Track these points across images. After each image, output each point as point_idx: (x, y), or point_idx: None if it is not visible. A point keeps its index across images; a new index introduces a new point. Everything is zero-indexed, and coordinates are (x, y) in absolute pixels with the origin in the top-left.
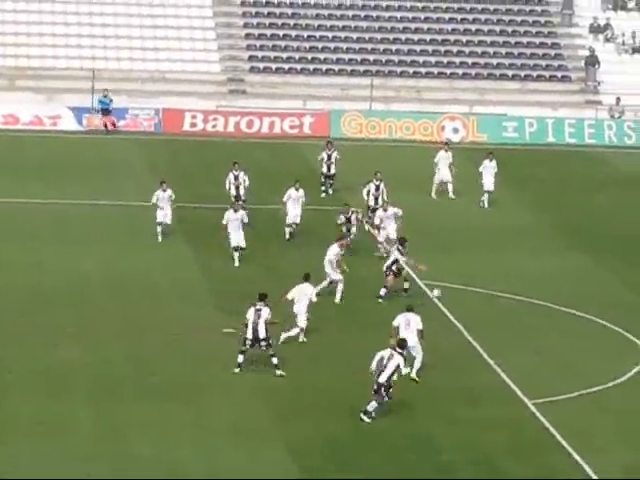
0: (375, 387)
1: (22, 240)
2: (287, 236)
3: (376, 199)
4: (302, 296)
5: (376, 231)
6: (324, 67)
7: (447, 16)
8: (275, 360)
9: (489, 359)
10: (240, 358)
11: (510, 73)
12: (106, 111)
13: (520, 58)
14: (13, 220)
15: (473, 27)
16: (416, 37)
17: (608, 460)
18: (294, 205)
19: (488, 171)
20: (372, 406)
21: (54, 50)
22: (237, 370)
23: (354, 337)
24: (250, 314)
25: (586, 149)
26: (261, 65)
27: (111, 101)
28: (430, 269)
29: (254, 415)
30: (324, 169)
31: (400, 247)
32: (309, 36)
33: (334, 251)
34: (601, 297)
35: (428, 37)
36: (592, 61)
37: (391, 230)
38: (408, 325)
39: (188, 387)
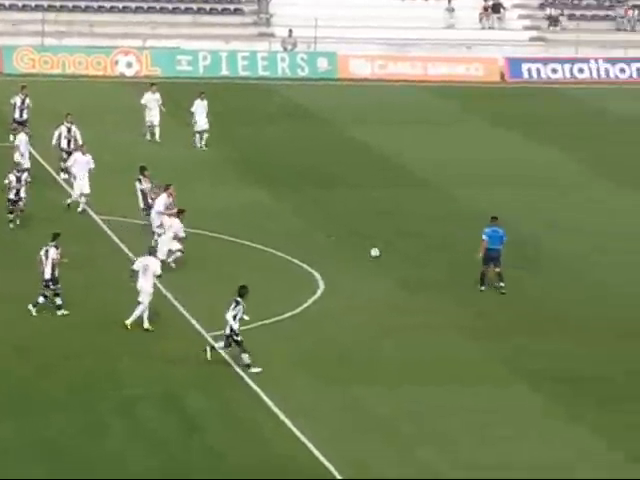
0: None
1: None
2: None
3: (69, 142)
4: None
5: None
6: None
7: None
8: (59, 300)
9: (169, 294)
10: (41, 299)
11: (183, 6)
12: None
13: None
14: None
15: None
16: None
17: (285, 389)
18: None
19: (201, 110)
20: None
21: None
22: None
23: None
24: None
25: (260, 82)
26: None
27: None
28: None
29: None
30: (16, 114)
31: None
32: None
33: (163, 201)
34: (278, 230)
35: None
36: None
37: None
38: (146, 271)
39: None
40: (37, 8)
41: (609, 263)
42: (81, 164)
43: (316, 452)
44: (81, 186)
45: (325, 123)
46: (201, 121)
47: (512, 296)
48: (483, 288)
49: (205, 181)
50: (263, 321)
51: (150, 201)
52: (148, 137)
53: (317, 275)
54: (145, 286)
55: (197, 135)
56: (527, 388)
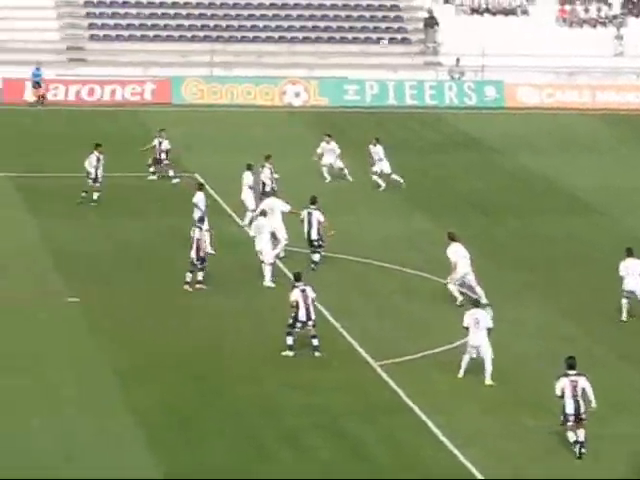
0: None
1: None
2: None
3: (264, 184)
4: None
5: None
6: (164, 33)
7: None
8: (316, 341)
9: (335, 322)
10: (290, 340)
11: (350, 36)
12: (38, 83)
13: (360, 21)
14: None
15: None
16: (255, 1)
17: (451, 417)
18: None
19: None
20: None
21: None
22: (290, 353)
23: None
24: (296, 295)
25: (427, 111)
26: (101, 33)
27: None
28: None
29: (97, 383)
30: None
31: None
32: (149, 2)
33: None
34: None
35: (267, 1)
36: (431, 22)
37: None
38: (477, 324)
39: (31, 357)
40: (206, 39)
41: None
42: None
43: None
44: (281, 233)
45: (493, 151)
46: (384, 165)
47: None
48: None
49: (371, 209)
50: (429, 351)
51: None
52: (328, 179)
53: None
54: (478, 340)
55: (376, 176)
56: None
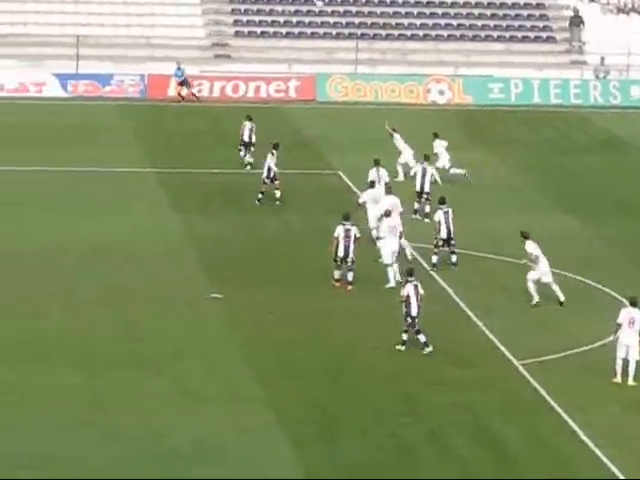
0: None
1: (3, 207)
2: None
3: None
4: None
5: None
6: (309, 30)
7: None
8: (423, 337)
9: (477, 320)
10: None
11: (495, 34)
12: (182, 82)
13: (505, 19)
14: None
15: None
16: None
17: (593, 417)
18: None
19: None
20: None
21: (37, 16)
22: (402, 348)
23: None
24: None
25: (572, 110)
26: (246, 29)
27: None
28: (416, 232)
29: (239, 381)
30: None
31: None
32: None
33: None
34: (589, 258)
35: None
36: (577, 21)
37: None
38: (632, 323)
39: (174, 354)
40: (351, 36)
41: None
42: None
43: None
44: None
45: (638, 151)
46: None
47: None
48: None
49: (514, 208)
50: (570, 351)
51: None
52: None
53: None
54: (629, 339)
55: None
56: None
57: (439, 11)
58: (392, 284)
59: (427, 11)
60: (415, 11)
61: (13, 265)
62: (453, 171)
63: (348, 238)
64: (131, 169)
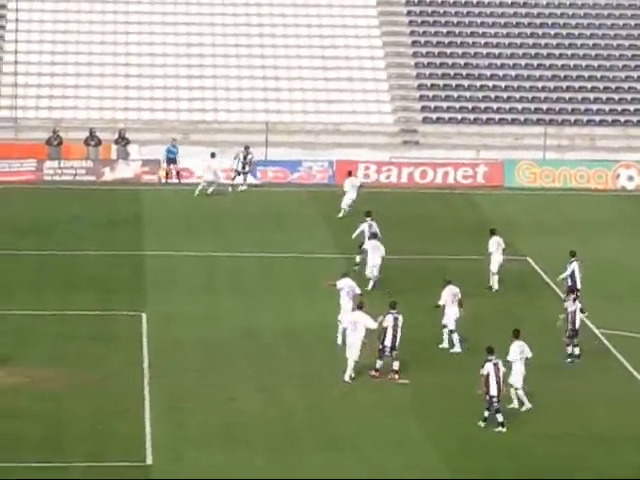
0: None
1: (198, 293)
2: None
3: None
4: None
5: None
6: (497, 116)
7: (621, 63)
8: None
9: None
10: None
11: None
12: (172, 160)
13: None
14: (188, 273)
15: None
16: (589, 85)
17: None
18: None
19: None
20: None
21: (227, 104)
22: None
23: None
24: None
25: None
26: (434, 115)
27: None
28: (602, 317)
29: (425, 461)
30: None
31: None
32: (482, 86)
33: None
34: None
35: (601, 85)
36: None
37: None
38: None
39: (362, 438)
40: (539, 122)
41: None
42: None
43: None
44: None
45: None
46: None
47: None
48: None
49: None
50: None
51: None
52: None
53: None
54: None
55: None
56: None
57: (628, 96)
58: (458, 349)
59: (616, 97)
60: (603, 97)
61: (208, 351)
62: None
63: (396, 327)
64: (320, 255)
